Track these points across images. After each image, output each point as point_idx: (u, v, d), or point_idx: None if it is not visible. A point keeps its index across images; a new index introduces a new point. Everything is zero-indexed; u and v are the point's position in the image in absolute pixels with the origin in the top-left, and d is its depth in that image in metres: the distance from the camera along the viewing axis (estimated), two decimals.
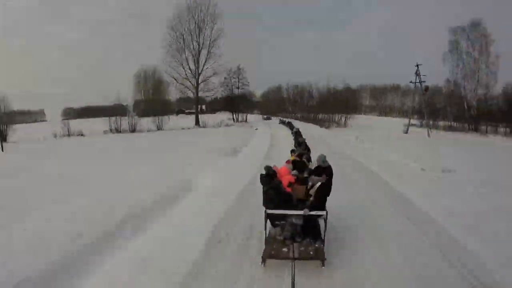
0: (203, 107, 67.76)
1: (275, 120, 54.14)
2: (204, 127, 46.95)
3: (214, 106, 68.89)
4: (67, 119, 62.25)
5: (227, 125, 49.16)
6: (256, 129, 36.88)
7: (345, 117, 50.79)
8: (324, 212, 4.87)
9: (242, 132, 34.44)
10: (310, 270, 4.49)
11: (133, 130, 42.44)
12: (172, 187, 9.22)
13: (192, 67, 48.92)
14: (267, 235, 5.04)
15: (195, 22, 47.66)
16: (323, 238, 4.92)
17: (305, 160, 7.71)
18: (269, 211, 4.89)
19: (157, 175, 11.17)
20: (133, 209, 7.07)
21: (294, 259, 4.31)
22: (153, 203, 7.65)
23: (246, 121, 57.12)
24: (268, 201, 5.01)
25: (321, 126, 44.02)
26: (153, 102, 52.51)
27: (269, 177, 5.23)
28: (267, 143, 21.27)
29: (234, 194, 8.34)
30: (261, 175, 5.38)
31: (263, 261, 4.67)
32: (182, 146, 22.22)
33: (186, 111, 65.91)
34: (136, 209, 7.09)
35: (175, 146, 22.19)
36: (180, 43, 48.45)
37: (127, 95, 50.43)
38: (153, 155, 17.77)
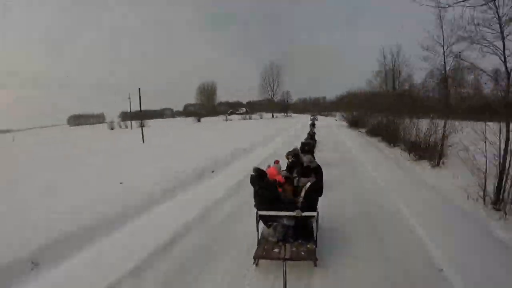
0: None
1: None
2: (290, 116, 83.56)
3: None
4: (123, 120, 78.22)
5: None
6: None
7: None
8: (315, 213, 4.85)
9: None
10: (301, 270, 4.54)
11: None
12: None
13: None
14: (259, 236, 5.12)
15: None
16: (315, 239, 4.93)
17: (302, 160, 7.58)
18: (261, 213, 4.94)
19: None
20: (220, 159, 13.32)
21: (285, 259, 4.35)
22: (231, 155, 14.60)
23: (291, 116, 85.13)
24: (260, 201, 5.03)
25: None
26: (205, 106, 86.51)
27: (260, 177, 5.23)
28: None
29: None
30: (252, 175, 5.40)
31: (255, 261, 4.74)
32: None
33: (236, 112, 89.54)
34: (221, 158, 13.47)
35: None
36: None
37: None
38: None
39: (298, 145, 11.33)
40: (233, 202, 7.74)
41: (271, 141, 22.39)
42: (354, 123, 34.10)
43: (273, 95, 79.81)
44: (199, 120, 72.94)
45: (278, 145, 19.57)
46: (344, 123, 40.33)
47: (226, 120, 73.92)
